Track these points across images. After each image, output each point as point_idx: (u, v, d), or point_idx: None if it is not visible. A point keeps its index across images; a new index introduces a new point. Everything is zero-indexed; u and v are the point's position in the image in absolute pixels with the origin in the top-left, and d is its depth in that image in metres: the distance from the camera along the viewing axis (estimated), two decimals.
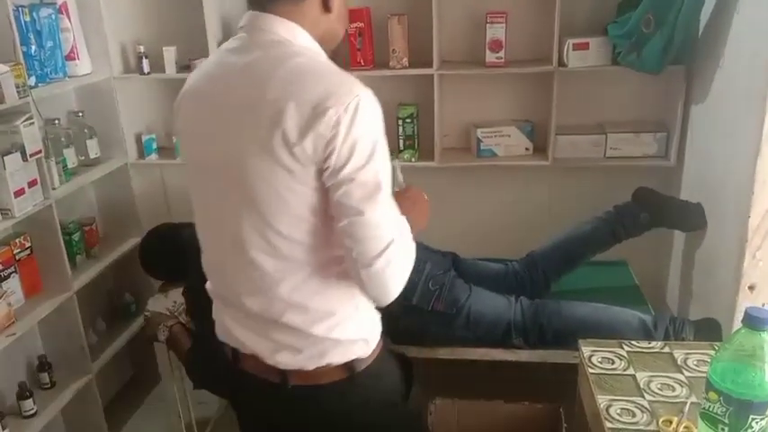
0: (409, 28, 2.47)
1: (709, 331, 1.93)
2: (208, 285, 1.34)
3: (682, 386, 1.44)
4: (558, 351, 2.02)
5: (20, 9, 2.16)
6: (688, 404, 1.37)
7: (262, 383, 1.26)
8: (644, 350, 1.59)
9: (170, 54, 2.58)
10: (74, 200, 2.53)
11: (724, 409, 1.10)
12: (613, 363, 1.54)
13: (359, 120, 1.06)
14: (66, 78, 2.43)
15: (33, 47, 2.22)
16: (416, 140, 2.61)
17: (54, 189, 2.26)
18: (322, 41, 1.21)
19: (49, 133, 2.34)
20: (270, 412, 1.32)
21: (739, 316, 1.16)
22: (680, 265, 2.38)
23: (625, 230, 2.24)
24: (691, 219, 2.17)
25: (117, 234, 2.77)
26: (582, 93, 2.56)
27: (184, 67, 2.58)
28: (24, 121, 2.07)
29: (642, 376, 1.48)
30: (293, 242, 1.14)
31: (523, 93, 2.62)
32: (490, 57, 2.45)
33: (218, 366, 1.39)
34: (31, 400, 2.18)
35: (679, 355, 1.56)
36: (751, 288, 1.78)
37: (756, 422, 1.08)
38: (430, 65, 2.47)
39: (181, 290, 2.18)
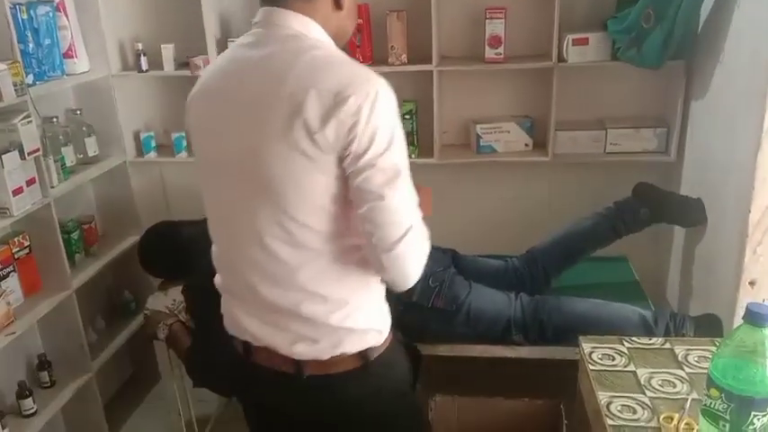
0: (408, 24, 2.46)
1: (710, 327, 1.93)
2: (216, 280, 1.35)
3: (683, 382, 1.44)
4: (559, 347, 2.02)
5: (17, 7, 2.15)
6: (689, 401, 1.37)
7: (275, 375, 1.28)
8: (645, 346, 1.58)
9: (168, 51, 2.57)
10: (72, 198, 2.52)
11: (725, 406, 1.09)
12: (614, 359, 1.54)
13: (378, 107, 1.09)
14: (64, 76, 2.42)
15: (31, 45, 2.21)
16: (416, 137, 2.60)
17: (52, 187, 2.26)
18: (333, 38, 1.24)
19: (48, 131, 2.34)
20: (283, 403, 1.34)
21: (740, 312, 1.15)
22: (680, 261, 2.38)
23: (625, 226, 2.24)
24: (691, 214, 2.17)
25: (116, 232, 2.76)
26: (582, 88, 2.55)
27: (183, 64, 2.57)
28: (22, 119, 2.06)
29: (643, 373, 1.48)
30: (311, 230, 1.16)
31: (523, 89, 2.61)
32: (489, 53, 2.44)
33: (221, 363, 1.39)
34: (30, 398, 2.17)
35: (680, 351, 1.56)
36: (752, 284, 1.77)
37: (758, 418, 1.08)
38: (429, 61, 2.46)
39: (180, 288, 2.18)
